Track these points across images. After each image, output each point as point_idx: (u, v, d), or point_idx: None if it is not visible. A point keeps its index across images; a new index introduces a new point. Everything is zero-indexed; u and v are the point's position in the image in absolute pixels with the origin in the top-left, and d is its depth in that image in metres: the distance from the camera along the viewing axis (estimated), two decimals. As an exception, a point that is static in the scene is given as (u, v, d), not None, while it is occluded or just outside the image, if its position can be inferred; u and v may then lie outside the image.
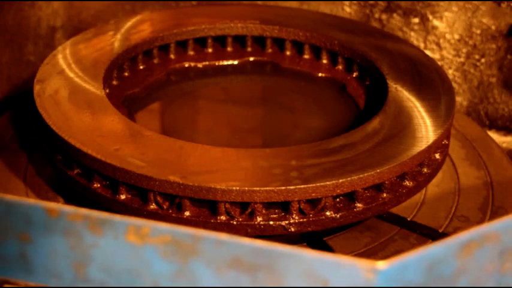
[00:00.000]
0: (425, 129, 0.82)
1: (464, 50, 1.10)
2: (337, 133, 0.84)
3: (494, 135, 1.10)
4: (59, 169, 0.81)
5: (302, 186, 0.74)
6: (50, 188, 0.85)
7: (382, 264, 0.52)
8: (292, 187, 0.74)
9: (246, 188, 0.74)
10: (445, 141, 0.85)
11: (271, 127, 0.91)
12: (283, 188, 0.74)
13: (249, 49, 1.00)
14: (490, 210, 0.86)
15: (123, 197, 0.77)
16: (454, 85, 1.11)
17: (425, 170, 0.82)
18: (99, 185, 0.78)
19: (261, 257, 0.53)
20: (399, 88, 0.88)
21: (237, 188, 0.74)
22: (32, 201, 0.56)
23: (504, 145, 1.10)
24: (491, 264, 0.55)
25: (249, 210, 0.75)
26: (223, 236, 0.53)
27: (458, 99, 1.11)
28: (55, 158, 0.81)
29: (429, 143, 0.80)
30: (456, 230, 0.83)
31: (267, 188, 0.74)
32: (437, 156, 0.84)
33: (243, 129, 0.90)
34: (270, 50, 1.01)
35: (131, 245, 0.55)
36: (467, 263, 0.54)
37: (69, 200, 0.84)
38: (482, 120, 1.12)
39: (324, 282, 0.53)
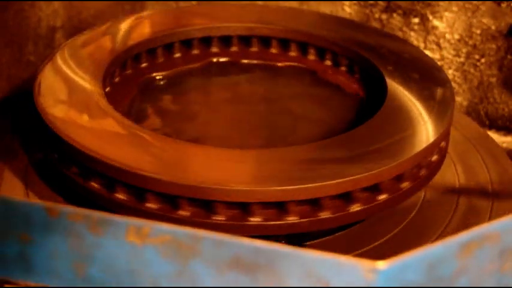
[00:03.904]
0: (425, 129, 0.82)
1: (464, 50, 1.10)
2: (337, 133, 0.84)
3: (494, 135, 1.10)
4: (59, 169, 0.81)
5: (302, 186, 0.74)
6: (50, 188, 0.85)
7: (382, 264, 0.52)
8: (292, 187, 0.74)
9: (246, 188, 0.74)
10: (445, 141, 0.85)
11: (271, 127, 0.91)
12: (283, 188, 0.74)
13: (253, 49, 1.00)
14: (490, 210, 0.86)
15: (121, 196, 0.77)
16: (454, 85, 1.11)
17: (424, 170, 0.82)
18: (98, 186, 0.78)
19: (261, 257, 0.53)
20: (399, 88, 0.88)
21: (237, 188, 0.74)
22: (32, 201, 0.56)
23: (504, 145, 1.10)
24: (491, 264, 0.55)
25: (249, 210, 0.75)
26: (223, 236, 0.53)
27: (458, 99, 1.11)
28: (55, 158, 0.81)
29: (428, 143, 0.80)
30: (456, 230, 0.83)
31: (267, 188, 0.74)
32: (436, 156, 0.84)
33: (243, 130, 0.90)
34: (273, 50, 1.01)
35: (131, 245, 0.55)
36: (467, 263, 0.54)
37: (69, 200, 0.84)
38: (482, 120, 1.12)
39: (324, 283, 0.53)
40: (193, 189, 0.74)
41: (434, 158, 0.83)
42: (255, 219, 0.75)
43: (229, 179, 0.74)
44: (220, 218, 0.75)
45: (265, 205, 0.75)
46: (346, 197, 0.77)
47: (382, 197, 0.78)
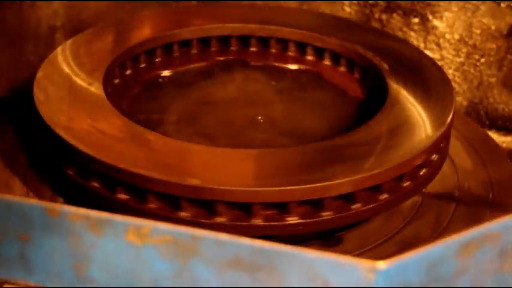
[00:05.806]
0: (425, 130, 0.82)
1: (464, 50, 1.10)
2: (337, 133, 0.84)
3: (494, 135, 1.10)
4: (59, 169, 0.81)
5: (302, 186, 0.74)
6: (50, 188, 0.85)
7: (382, 264, 0.52)
8: (291, 187, 0.74)
9: (247, 189, 0.74)
10: (445, 141, 0.85)
11: (270, 127, 0.91)
12: (283, 188, 0.74)
13: (252, 49, 1.01)
14: (490, 210, 0.86)
15: (122, 196, 0.77)
16: (454, 85, 1.11)
17: (425, 170, 0.82)
18: (99, 186, 0.78)
19: (261, 257, 0.53)
20: (399, 88, 0.88)
21: (238, 188, 0.74)
22: (32, 201, 0.56)
23: (504, 145, 1.10)
24: (491, 264, 0.56)
25: (251, 210, 0.75)
26: (223, 236, 0.53)
27: (458, 99, 1.11)
28: (54, 158, 0.81)
29: (429, 144, 0.80)
30: (456, 230, 0.83)
31: (268, 189, 0.74)
32: (436, 156, 0.83)
33: (242, 129, 0.90)
34: (273, 50, 1.01)
35: (131, 245, 0.55)
36: (467, 263, 0.54)
37: (69, 200, 0.84)
38: (482, 120, 1.12)
39: (324, 282, 0.53)
40: (229, 193, 0.74)
41: (435, 158, 0.83)
42: (257, 221, 0.75)
43: (232, 179, 0.75)
44: (222, 219, 0.75)
45: (267, 206, 0.75)
46: (348, 197, 0.77)
47: (384, 196, 0.78)
